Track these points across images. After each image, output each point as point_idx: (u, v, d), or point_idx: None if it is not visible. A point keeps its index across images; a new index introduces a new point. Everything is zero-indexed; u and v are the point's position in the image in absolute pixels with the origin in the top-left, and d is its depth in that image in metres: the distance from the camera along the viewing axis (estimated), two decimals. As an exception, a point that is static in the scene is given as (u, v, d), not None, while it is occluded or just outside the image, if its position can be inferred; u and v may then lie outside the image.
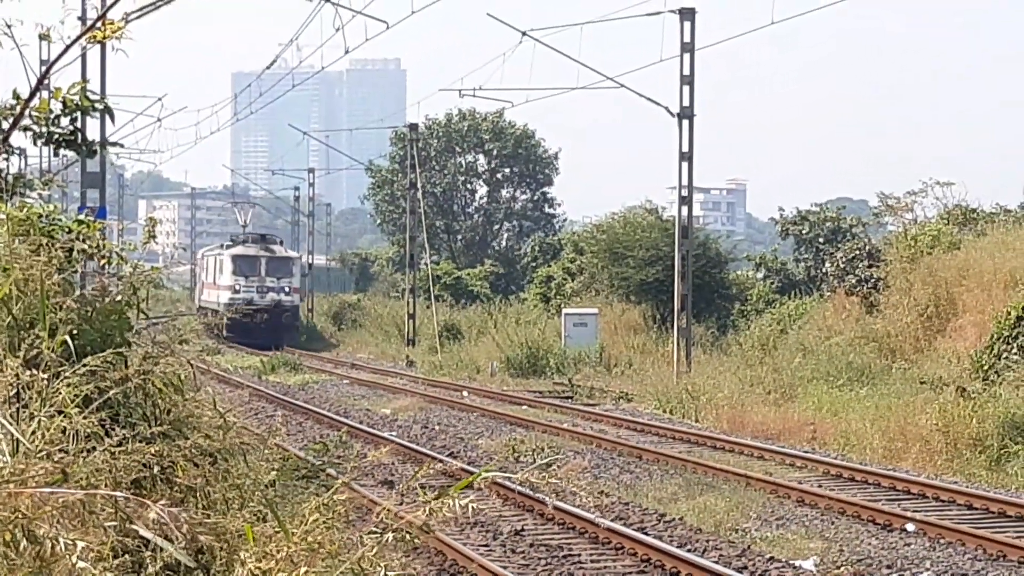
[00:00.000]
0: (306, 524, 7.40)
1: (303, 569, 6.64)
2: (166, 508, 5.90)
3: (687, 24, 60.94)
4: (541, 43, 62.45)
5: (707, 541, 28.22)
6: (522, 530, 29.56)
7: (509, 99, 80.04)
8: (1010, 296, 48.48)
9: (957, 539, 28.19)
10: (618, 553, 27.23)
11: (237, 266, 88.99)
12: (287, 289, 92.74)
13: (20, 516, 5.15)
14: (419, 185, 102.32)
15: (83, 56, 27.91)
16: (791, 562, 26.34)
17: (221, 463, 15.19)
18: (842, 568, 25.95)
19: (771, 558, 26.65)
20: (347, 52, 57.05)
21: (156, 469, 10.50)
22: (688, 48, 61.18)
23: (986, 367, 45.42)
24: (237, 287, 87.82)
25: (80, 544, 5.20)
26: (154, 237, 24.68)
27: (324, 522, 7.64)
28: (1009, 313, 46.59)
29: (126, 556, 5.92)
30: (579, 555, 27.25)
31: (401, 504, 16.12)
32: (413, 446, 42.54)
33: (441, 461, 36.90)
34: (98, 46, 22.70)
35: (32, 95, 13.09)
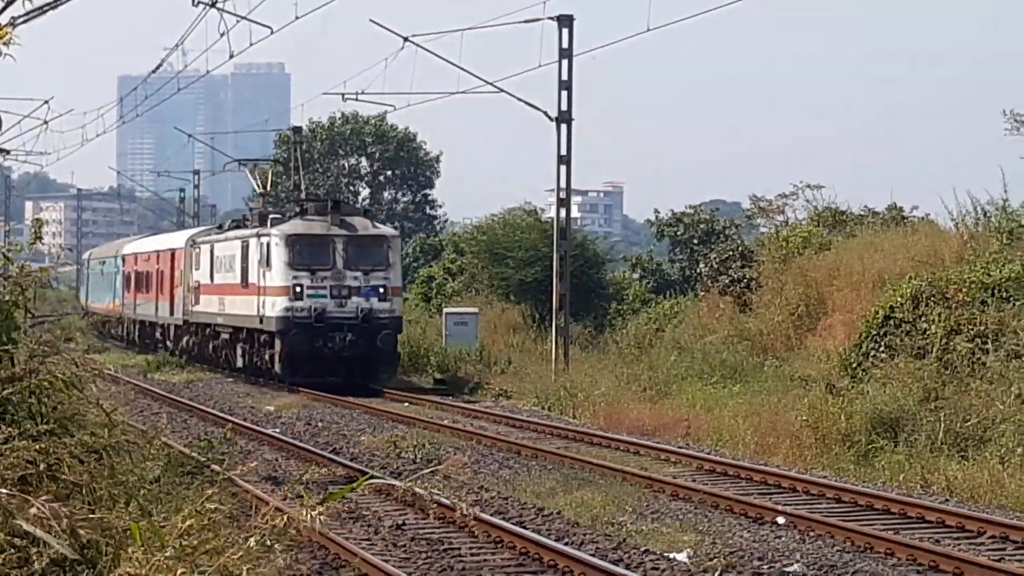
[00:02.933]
0: (182, 528, 7.38)
1: (181, 568, 6.64)
2: (48, 504, 5.92)
3: (565, 31, 61.07)
4: (423, 48, 62.58)
5: (584, 534, 28.22)
6: (403, 524, 29.40)
7: (391, 103, 79.41)
8: (877, 296, 48.71)
9: (826, 531, 28.31)
10: (497, 546, 27.21)
11: (296, 253, 58.68)
12: (382, 291, 59.53)
13: None
14: (303, 187, 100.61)
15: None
16: (665, 554, 26.36)
17: (107, 460, 15.19)
18: (715, 560, 25.98)
19: (646, 550, 26.66)
20: (232, 56, 56.98)
21: (42, 466, 10.51)
22: (566, 54, 61.26)
23: (854, 364, 45.68)
24: (298, 289, 57.61)
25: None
26: (40, 238, 24.68)
27: (203, 524, 7.62)
28: (876, 312, 46.84)
29: (12, 551, 5.90)
30: (459, 548, 27.18)
31: (285, 500, 16.12)
32: (297, 443, 42.02)
33: (329, 460, 36.86)
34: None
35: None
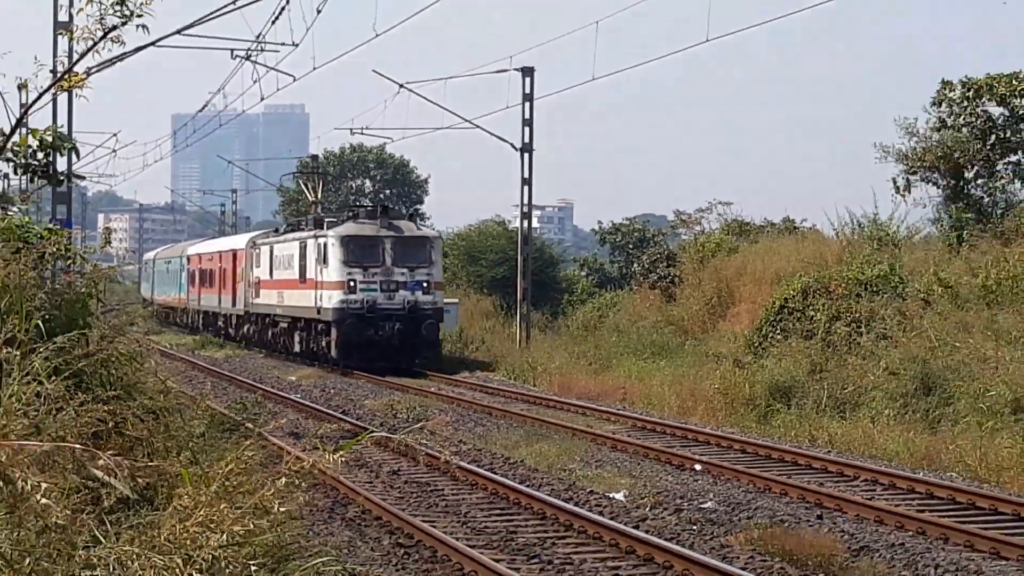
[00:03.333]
0: (223, 473, 7.32)
1: (223, 505, 6.57)
2: (112, 456, 5.87)
3: (527, 79, 61.30)
4: (415, 93, 62.80)
5: (541, 478, 28.25)
6: (398, 470, 29.50)
7: (389, 136, 78.89)
8: (774, 290, 49.00)
9: (734, 476, 28.36)
10: (473, 487, 27.24)
11: (351, 252, 56.08)
12: (425, 285, 57.64)
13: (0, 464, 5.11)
14: (319, 203, 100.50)
15: (54, 101, 27.56)
16: (606, 494, 26.40)
17: (162, 419, 15.15)
18: (645, 498, 26.05)
19: (591, 491, 26.68)
20: (262, 99, 56.67)
21: (110, 424, 10.46)
22: (528, 98, 61.46)
23: (756, 344, 45.86)
24: (352, 284, 55.13)
25: (44, 485, 5.16)
26: (109, 243, 24.79)
27: (240, 469, 7.57)
28: (774, 303, 47.18)
29: (86, 492, 5.86)
30: (443, 489, 27.20)
31: (305, 450, 16.02)
32: (314, 406, 42.10)
33: (333, 416, 36.83)
34: (65, 93, 22.40)
35: (12, 133, 13.00)
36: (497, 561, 19.83)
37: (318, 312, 51.67)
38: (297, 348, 56.60)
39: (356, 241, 50.90)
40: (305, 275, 53.56)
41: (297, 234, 57.94)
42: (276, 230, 69.59)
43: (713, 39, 36.62)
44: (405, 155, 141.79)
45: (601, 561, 20.68)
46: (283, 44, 45.29)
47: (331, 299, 50.51)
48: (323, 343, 51.53)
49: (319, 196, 77.44)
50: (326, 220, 55.35)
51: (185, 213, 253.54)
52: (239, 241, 65.30)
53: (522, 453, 32.35)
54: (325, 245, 50.93)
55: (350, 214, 56.27)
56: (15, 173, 24.03)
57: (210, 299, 71.33)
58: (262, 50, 41.77)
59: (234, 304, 65.43)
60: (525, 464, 30.58)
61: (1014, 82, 48.88)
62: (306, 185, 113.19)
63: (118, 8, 11.08)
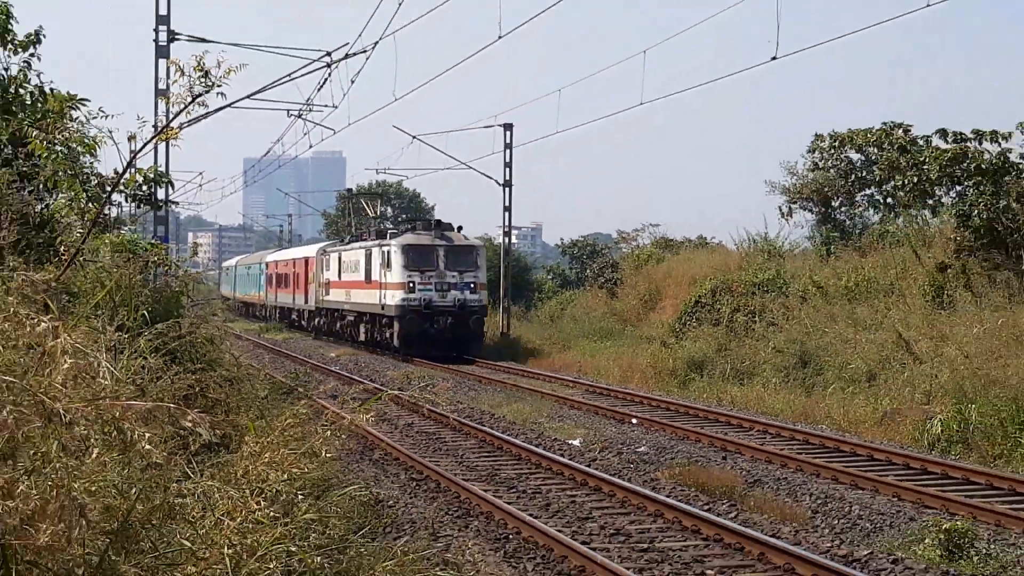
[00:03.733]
0: (281, 425, 7.33)
1: (282, 449, 6.60)
2: (198, 412, 5.87)
3: (508, 132, 60.98)
4: (424, 143, 62.50)
5: (518, 429, 28.26)
6: (411, 424, 29.46)
7: (405, 174, 78.57)
8: (691, 289, 49.15)
9: (661, 428, 28.38)
10: (467, 436, 27.24)
11: (410, 258, 53.20)
12: (472, 286, 54.89)
13: (115, 418, 5.11)
14: (353, 226, 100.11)
15: (155, 148, 27.55)
16: (566, 441, 26.47)
17: (235, 385, 15.16)
18: (595, 444, 26.10)
19: (555, 439, 26.74)
20: (310, 147, 56.14)
21: (196, 389, 10.49)
22: (508, 146, 61.22)
23: (677, 330, 45.87)
24: (411, 285, 52.34)
25: (147, 435, 5.17)
26: (196, 254, 24.85)
27: (294, 422, 7.60)
28: (690, 299, 47.29)
29: (177, 439, 5.92)
30: (444, 437, 27.22)
31: (342, 408, 15.98)
32: (349, 375, 41.94)
33: (362, 383, 36.81)
34: (164, 143, 22.36)
35: (123, 172, 12.97)
36: (485, 491, 19.89)
37: (382, 308, 48.26)
38: (362, 338, 52.84)
39: (415, 249, 47.35)
40: (370, 277, 50.12)
41: (362, 243, 54.31)
42: (342, 240, 64.88)
43: (646, 102, 36.37)
44: (417, 188, 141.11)
45: (562, 491, 20.78)
46: (326, 106, 45.45)
47: (394, 297, 46.96)
48: (387, 334, 48.39)
49: (376, 212, 74.17)
50: (388, 231, 51.97)
51: (253, 232, 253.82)
52: (311, 250, 62.74)
53: (504, 410, 32.35)
54: (388, 252, 47.40)
55: (408, 227, 52.63)
56: (126, 201, 24.10)
57: (285, 297, 69.00)
58: (310, 110, 41.72)
59: (306, 301, 62.54)
60: (505, 419, 30.59)
61: (868, 135, 49.79)
62: (344, 212, 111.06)
63: (203, 81, 11.09)
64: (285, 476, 6.12)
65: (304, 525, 6.35)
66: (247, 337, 60.46)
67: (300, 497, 6.51)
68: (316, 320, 62.76)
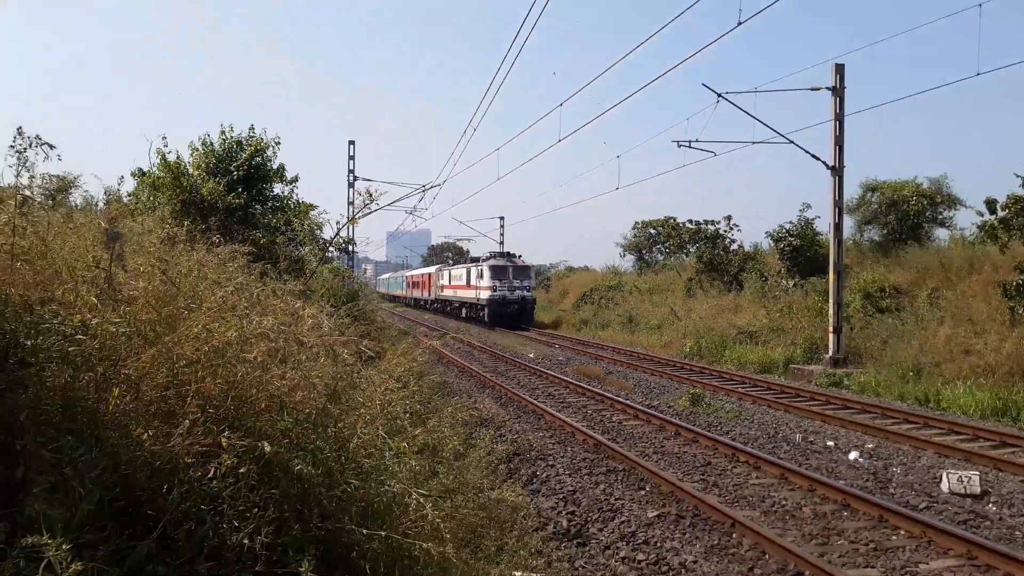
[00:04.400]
0: (402, 348, 7.33)
1: (402, 359, 6.58)
2: (367, 341, 5.90)
3: (501, 225, 59.83)
4: (465, 223, 60.61)
5: (506, 350, 27.93)
6: (460, 349, 28.79)
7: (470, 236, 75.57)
8: (581, 289, 48.46)
9: (569, 348, 28.12)
10: (483, 352, 26.88)
11: (494, 272, 48.44)
12: (528, 288, 49.41)
13: (329, 344, 5.17)
14: (451, 258, 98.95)
15: (349, 228, 27.47)
16: (527, 355, 26.24)
17: (384, 330, 15.25)
18: (539, 357, 25.89)
19: (523, 354, 26.49)
20: (415, 226, 55.18)
21: (366, 331, 10.57)
22: (503, 229, 60.09)
23: (577, 306, 45.29)
24: (495, 287, 48.19)
25: (345, 352, 5.21)
26: (365, 272, 24.42)
27: (408, 347, 7.59)
28: (581, 293, 46.63)
29: (355, 355, 5.91)
30: (473, 353, 26.67)
31: (429, 339, 15.95)
32: (432, 326, 41.11)
33: (441, 330, 36.33)
34: (351, 226, 22.32)
35: (332, 239, 13.03)
36: (491, 377, 19.86)
37: (477, 300, 42.80)
38: (463, 315, 46.20)
39: (496, 268, 41.38)
40: (470, 283, 44.24)
41: (464, 265, 47.64)
42: (446, 263, 61.23)
43: (626, 186, 36.48)
44: (459, 241, 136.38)
45: (525, 377, 20.62)
46: (424, 209, 45.92)
47: (485, 294, 41.23)
48: (480, 315, 42.26)
49: (467, 252, 65.87)
50: (481, 258, 45.63)
51: (390, 263, 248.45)
52: (431, 269, 58.82)
53: (501, 343, 32.07)
54: (482, 269, 42.01)
55: (490, 255, 45.58)
56: (336, 250, 24.09)
57: (418, 294, 62.65)
58: (415, 209, 41.80)
59: (429, 295, 57.26)
60: (501, 346, 30.20)
61: (659, 223, 49.67)
62: (431, 256, 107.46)
63: (367, 198, 11.15)
64: (402, 369, 6.15)
65: (411, 392, 6.38)
66: (388, 309, 59.42)
67: (411, 379, 6.52)
68: (434, 306, 56.07)
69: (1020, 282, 18.49)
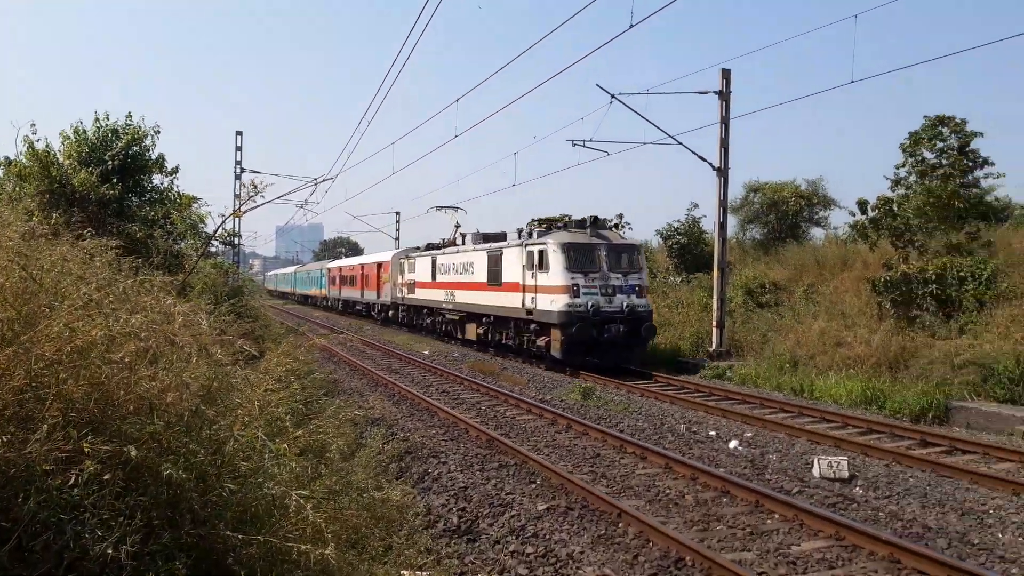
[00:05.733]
0: (285, 346, 7.15)
1: (283, 358, 6.42)
2: (248, 340, 5.72)
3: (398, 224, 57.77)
4: (359, 219, 58.65)
5: (400, 347, 27.49)
6: (353, 346, 28.03)
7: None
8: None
9: (465, 347, 28.26)
10: (375, 350, 26.24)
11: (571, 257, 19.10)
12: (638, 289, 19.55)
13: (204, 344, 4.99)
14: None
15: (234, 221, 26.54)
16: (422, 352, 25.94)
17: (268, 328, 14.83)
18: (434, 354, 25.53)
19: (418, 351, 26.18)
20: (307, 221, 53.20)
21: (248, 330, 10.25)
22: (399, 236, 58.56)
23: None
24: (575, 288, 18.69)
25: (218, 351, 5.05)
26: (252, 267, 23.59)
27: (292, 345, 7.40)
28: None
29: (238, 354, 5.73)
30: (366, 351, 26.06)
31: (319, 338, 15.53)
32: (323, 324, 40.05)
33: (329, 328, 35.46)
34: (236, 219, 21.61)
35: (216, 230, 12.56)
36: (384, 374, 19.61)
37: (529, 313, 22.34)
38: (472, 337, 26.42)
39: (576, 248, 21.72)
40: (499, 279, 24.24)
41: (474, 247, 26.59)
42: (416, 248, 34.88)
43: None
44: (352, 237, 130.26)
45: (419, 374, 20.47)
46: (316, 203, 44.69)
47: (554, 302, 21.18)
48: (539, 342, 22.16)
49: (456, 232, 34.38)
50: (525, 231, 24.46)
51: (279, 258, 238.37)
52: (384, 256, 38.46)
53: (396, 340, 31.54)
54: (542, 252, 21.85)
55: (549, 226, 24.64)
56: (220, 245, 23.23)
57: (351, 293, 45.51)
58: (306, 203, 40.74)
59: (378, 297, 38.89)
60: (396, 344, 29.74)
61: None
62: (323, 249, 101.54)
63: (254, 191, 10.83)
64: (282, 369, 5.99)
65: (293, 392, 6.22)
66: (283, 308, 57.19)
67: (294, 379, 6.35)
68: (390, 312, 37.25)
69: (887, 278, 19.79)
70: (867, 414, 14.63)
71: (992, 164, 20.67)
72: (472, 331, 26.39)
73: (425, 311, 31.78)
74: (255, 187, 11.78)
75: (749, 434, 12.96)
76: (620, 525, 8.34)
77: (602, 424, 13.56)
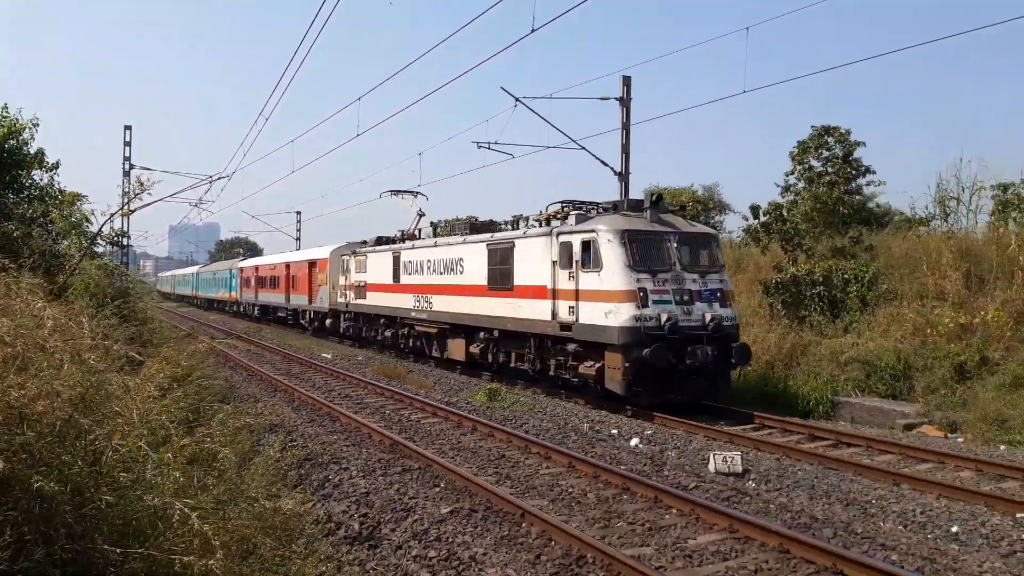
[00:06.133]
0: (176, 348, 6.84)
1: (175, 355, 6.14)
2: (135, 345, 5.46)
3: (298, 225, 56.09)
4: (257, 218, 56.79)
5: (303, 352, 27.09)
6: (248, 351, 27.58)
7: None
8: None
9: (370, 350, 27.88)
10: (274, 354, 25.82)
11: (634, 254, 12.36)
12: (721, 295, 12.94)
13: (77, 349, 4.74)
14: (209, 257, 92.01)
15: (123, 219, 25.37)
16: (323, 355, 25.43)
17: (156, 332, 14.20)
18: (338, 359, 25.16)
19: (320, 355, 25.66)
20: (201, 221, 51.36)
21: (136, 334, 9.77)
22: (298, 237, 57.09)
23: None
24: (643, 294, 12.05)
25: (93, 356, 4.80)
26: (142, 268, 22.56)
27: (182, 349, 7.09)
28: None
29: (123, 360, 5.44)
30: (263, 355, 25.67)
31: (205, 342, 15.02)
32: (220, 327, 38.71)
33: (225, 331, 34.27)
34: (125, 217, 20.71)
35: (100, 230, 11.96)
36: (284, 380, 19.13)
37: (565, 328, 14.61)
38: (458, 356, 20.20)
39: (638, 238, 13.61)
40: (510, 281, 16.59)
41: (463, 239, 19.50)
42: (364, 243, 28.49)
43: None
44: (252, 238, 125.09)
45: (321, 378, 20.07)
46: (211, 201, 43.25)
47: (611, 314, 13.18)
48: (583, 369, 14.36)
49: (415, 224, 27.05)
50: (573, 213, 15.22)
51: (172, 259, 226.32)
52: (319, 253, 32.18)
53: (298, 344, 30.89)
54: (590, 244, 13.76)
55: (603, 207, 15.54)
56: (104, 244, 22.12)
57: (272, 297, 38.71)
58: (200, 201, 39.29)
59: (311, 302, 32.91)
60: (297, 347, 28.98)
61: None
62: (220, 249, 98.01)
63: (140, 188, 10.35)
64: (162, 375, 5.73)
65: (178, 398, 5.97)
66: (166, 309, 54.96)
67: (177, 385, 6.10)
68: (327, 321, 31.31)
69: (778, 280, 20.69)
70: (758, 411, 15.13)
71: (873, 172, 21.99)
72: (458, 349, 20.09)
73: (383, 321, 25.36)
74: (141, 184, 11.29)
75: (649, 432, 13.26)
76: (523, 525, 8.37)
77: (508, 425, 13.61)
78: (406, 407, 15.72)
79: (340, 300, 29.11)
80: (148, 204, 15.89)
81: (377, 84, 21.52)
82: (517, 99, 20.71)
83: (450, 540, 7.99)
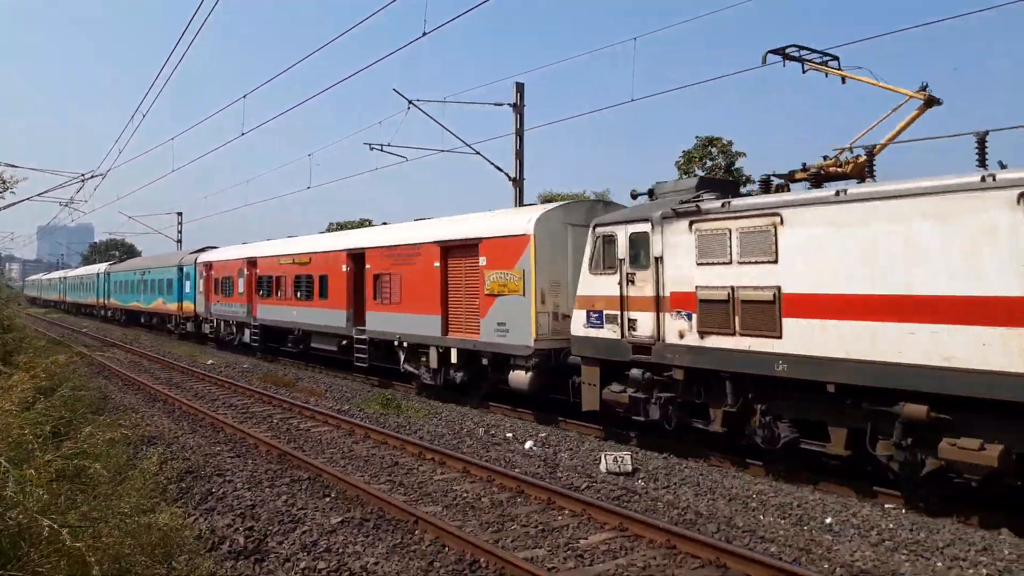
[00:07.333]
0: (52, 359, 6.48)
1: (27, 376, 5.82)
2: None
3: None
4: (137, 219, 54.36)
5: (185, 360, 26.08)
6: (127, 361, 26.43)
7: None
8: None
9: (254, 359, 27.00)
10: (165, 368, 24.82)
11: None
12: None
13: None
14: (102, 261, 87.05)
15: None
16: (206, 362, 24.67)
17: (25, 340, 13.33)
18: (222, 366, 24.38)
19: (202, 363, 24.87)
20: (73, 221, 48.64)
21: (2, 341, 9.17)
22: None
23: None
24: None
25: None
26: (6, 271, 21.09)
27: (62, 359, 6.70)
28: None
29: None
30: (149, 368, 24.69)
31: (92, 352, 14.22)
32: (97, 336, 36.88)
33: (103, 340, 32.54)
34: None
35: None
36: (164, 389, 18.36)
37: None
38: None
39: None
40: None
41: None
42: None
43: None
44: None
45: (203, 387, 19.38)
46: (83, 201, 40.91)
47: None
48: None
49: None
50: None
51: (42, 261, 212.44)
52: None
53: (179, 351, 29.68)
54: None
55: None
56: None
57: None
58: (72, 201, 37.08)
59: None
60: (177, 354, 27.89)
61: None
62: (97, 250, 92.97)
63: (2, 187, 9.75)
64: (26, 387, 5.42)
65: (40, 411, 5.65)
66: (30, 315, 51.60)
67: (40, 397, 5.77)
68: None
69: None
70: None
71: (754, 182, 23.10)
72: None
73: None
74: (4, 182, 10.59)
75: (544, 434, 13.47)
76: (416, 532, 8.36)
77: (402, 432, 13.52)
78: (295, 416, 15.39)
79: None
80: (12, 204, 14.90)
81: (264, 82, 20.96)
82: (411, 102, 20.65)
83: (340, 551, 7.88)
